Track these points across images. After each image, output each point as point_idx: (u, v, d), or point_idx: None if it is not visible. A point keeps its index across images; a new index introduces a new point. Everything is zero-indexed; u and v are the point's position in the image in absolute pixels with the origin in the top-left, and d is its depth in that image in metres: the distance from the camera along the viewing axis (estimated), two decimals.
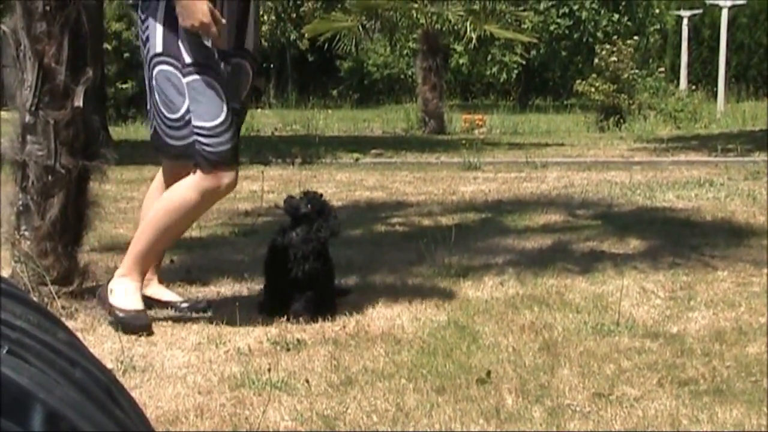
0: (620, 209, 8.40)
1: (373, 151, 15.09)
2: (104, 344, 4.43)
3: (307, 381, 3.87)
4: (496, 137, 19.43)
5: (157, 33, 4.58)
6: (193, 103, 4.52)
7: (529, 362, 4.15)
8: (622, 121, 22.18)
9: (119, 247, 6.54)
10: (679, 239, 6.83)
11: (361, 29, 22.10)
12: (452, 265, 5.93)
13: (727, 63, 27.02)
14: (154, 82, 4.63)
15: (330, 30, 21.99)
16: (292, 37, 36.92)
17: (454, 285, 5.54)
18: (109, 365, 4.06)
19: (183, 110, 4.56)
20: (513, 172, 11.46)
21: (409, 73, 35.35)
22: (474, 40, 21.84)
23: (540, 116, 26.74)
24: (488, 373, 3.95)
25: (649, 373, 4.00)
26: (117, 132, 18.41)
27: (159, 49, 4.58)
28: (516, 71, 36.63)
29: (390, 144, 16.77)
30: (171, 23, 4.53)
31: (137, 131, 21.13)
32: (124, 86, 25.91)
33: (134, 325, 4.61)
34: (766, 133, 17.78)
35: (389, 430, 3.43)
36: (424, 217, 7.95)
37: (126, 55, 25.92)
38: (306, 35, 25.92)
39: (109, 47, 24.61)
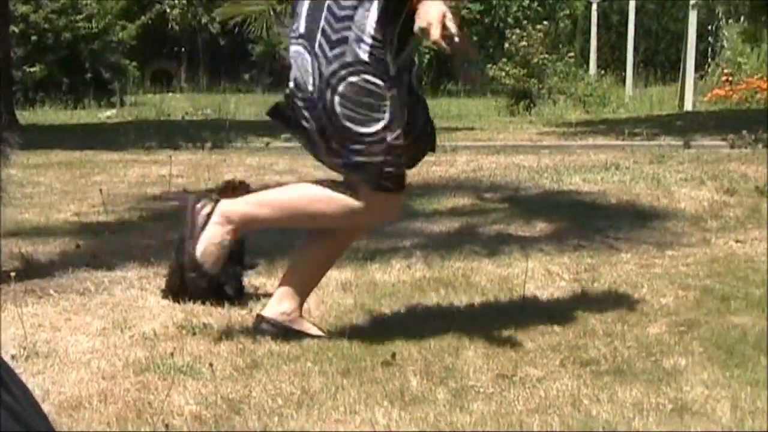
0: (527, 192, 8.47)
1: (284, 136, 15.00)
2: (7, 330, 4.38)
3: (211, 365, 3.87)
4: None
5: (365, 34, 4.02)
6: (395, 118, 4.07)
7: (434, 344, 4.18)
8: (532, 105, 22.29)
9: (24, 233, 6.49)
10: (584, 222, 6.91)
11: (272, 13, 21.97)
12: (360, 248, 5.95)
13: (636, 48, 27.27)
14: (336, 95, 4.04)
15: (241, 14, 21.85)
16: (203, 20, 36.60)
17: (361, 268, 5.56)
18: (12, 351, 4.04)
19: (381, 125, 4.06)
20: None
21: None
22: None
23: (451, 101, 26.81)
24: (393, 356, 3.97)
25: (552, 354, 4.05)
26: (24, 116, 18.11)
27: (365, 56, 4.04)
28: (428, 56, 36.69)
29: None
30: (386, 21, 4.01)
31: (45, 115, 20.86)
32: (32, 70, 25.53)
33: None
34: (672, 117, 18.02)
35: (294, 412, 3.44)
36: None
37: (34, 38, 25.53)
38: (217, 19, 25.75)
39: (16, 30, 24.23)
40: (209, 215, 4.29)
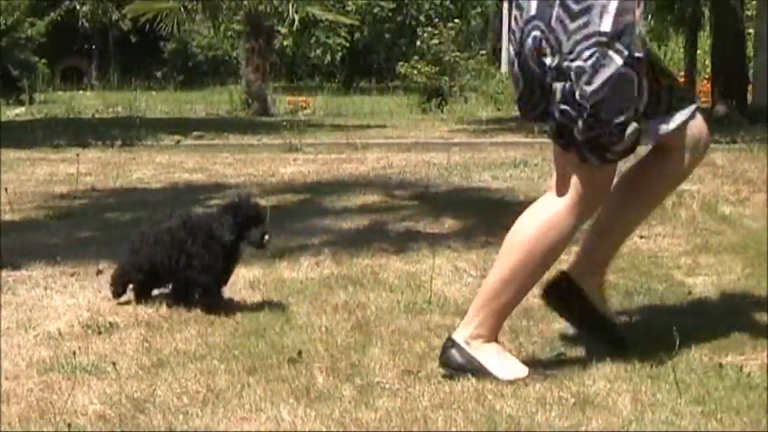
0: (437, 189, 8.52)
1: (195, 134, 14.97)
2: None
3: (114, 363, 3.85)
4: (320, 119, 19.46)
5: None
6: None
7: (341, 341, 4.19)
8: (444, 102, 22.40)
9: None
10: (492, 219, 6.94)
11: (183, 10, 21.85)
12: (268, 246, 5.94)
13: None
14: (588, 66, 3.54)
15: (151, 11, 21.71)
16: (114, 17, 36.27)
17: (269, 266, 5.56)
18: None
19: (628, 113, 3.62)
20: (333, 153, 11.51)
21: (234, 54, 35.13)
22: (297, 22, 21.85)
23: (364, 98, 26.87)
24: (299, 353, 3.98)
25: None
26: None
27: (608, 27, 3.54)
28: (340, 53, 36.71)
29: (212, 126, 16.67)
30: None
31: None
32: None
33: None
34: None
35: (199, 411, 3.43)
36: None
37: None
38: (128, 16, 25.52)
39: None
40: (464, 351, 3.80)
